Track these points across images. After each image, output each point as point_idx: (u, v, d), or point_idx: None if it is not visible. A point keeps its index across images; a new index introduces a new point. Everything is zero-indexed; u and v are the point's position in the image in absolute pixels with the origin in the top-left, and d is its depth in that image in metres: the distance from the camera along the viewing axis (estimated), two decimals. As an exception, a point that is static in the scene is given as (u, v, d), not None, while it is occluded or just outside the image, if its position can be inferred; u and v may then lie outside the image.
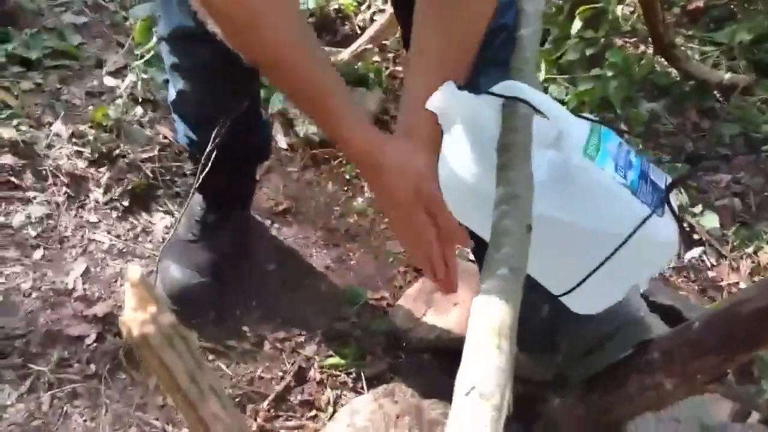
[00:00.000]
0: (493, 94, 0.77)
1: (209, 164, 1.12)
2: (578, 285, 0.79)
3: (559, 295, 0.84)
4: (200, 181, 1.14)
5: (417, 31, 0.88)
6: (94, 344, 1.25)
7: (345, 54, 1.87)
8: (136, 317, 0.24)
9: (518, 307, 0.49)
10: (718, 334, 0.79)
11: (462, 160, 0.75)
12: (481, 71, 0.86)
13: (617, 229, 0.74)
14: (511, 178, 0.64)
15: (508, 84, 0.78)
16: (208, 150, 1.11)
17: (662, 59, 2.24)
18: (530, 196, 0.63)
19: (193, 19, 1.00)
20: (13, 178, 1.44)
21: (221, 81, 1.13)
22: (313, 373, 1.30)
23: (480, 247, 0.83)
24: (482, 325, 0.46)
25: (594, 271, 0.77)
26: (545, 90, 2.00)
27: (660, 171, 0.80)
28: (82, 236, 1.42)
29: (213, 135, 1.10)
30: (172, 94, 1.22)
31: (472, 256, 1.32)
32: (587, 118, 0.79)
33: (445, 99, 0.76)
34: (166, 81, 1.72)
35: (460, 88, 0.76)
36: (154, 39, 1.66)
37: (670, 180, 0.78)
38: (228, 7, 0.76)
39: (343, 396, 1.27)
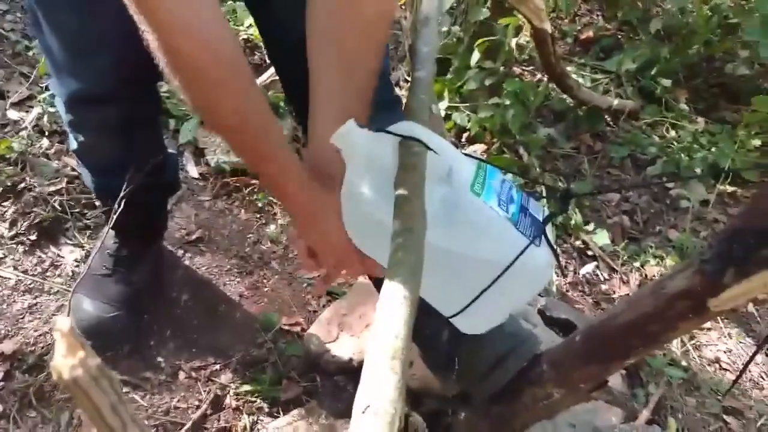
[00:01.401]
0: (390, 132, 0.83)
1: (120, 206, 1.12)
2: (466, 307, 0.86)
3: (449, 317, 0.90)
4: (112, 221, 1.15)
5: (316, 70, 0.91)
6: (2, 383, 1.23)
7: (255, 84, 1.90)
8: (66, 362, 0.28)
9: (411, 332, 0.55)
10: (596, 346, 0.88)
11: (362, 194, 0.81)
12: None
13: (500, 257, 0.81)
14: (406, 212, 0.70)
15: (404, 124, 0.84)
16: (120, 197, 1.12)
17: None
18: (423, 230, 0.70)
19: (90, 81, 1.01)
20: None
21: (125, 134, 1.13)
22: (230, 400, 1.32)
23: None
24: (377, 349, 0.51)
25: (479, 294, 0.84)
26: (448, 117, 2.10)
27: (538, 205, 0.88)
28: (-13, 272, 1.39)
29: (124, 184, 1.10)
30: (73, 144, 1.20)
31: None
32: (474, 157, 0.87)
33: (346, 136, 0.81)
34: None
35: (360, 126, 0.82)
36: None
37: (546, 213, 0.87)
38: (202, 70, 0.77)
39: (259, 421, 1.30)
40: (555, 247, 0.85)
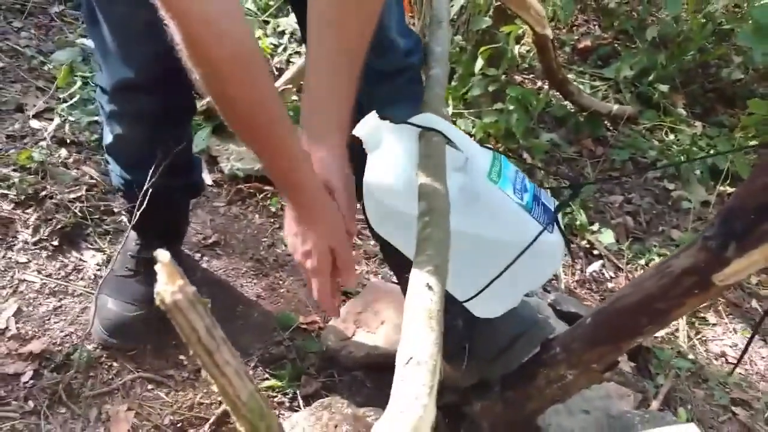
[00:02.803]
0: (411, 124, 0.88)
1: (145, 203, 1.17)
2: (481, 291, 0.91)
3: (464, 301, 0.94)
4: (136, 218, 1.20)
5: (312, 41, 0.94)
6: (31, 381, 1.27)
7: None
8: (167, 289, 0.32)
9: (444, 297, 0.59)
10: (605, 327, 0.92)
11: (384, 182, 0.85)
12: (390, 104, 0.95)
13: (516, 241, 0.86)
14: (430, 194, 0.75)
15: (424, 116, 0.89)
16: (144, 190, 1.16)
17: (558, 93, 2.46)
18: (447, 209, 0.74)
19: (138, 69, 1.07)
20: (-62, 223, 1.44)
21: (160, 126, 1.19)
22: (251, 396, 1.35)
23: (398, 263, 0.92)
24: (416, 310, 0.56)
25: (495, 278, 0.88)
26: (453, 123, 2.15)
27: (548, 195, 0.93)
28: (12, 277, 1.43)
29: (149, 176, 1.15)
30: (108, 138, 1.25)
31: (395, 279, 1.42)
32: (489, 148, 0.92)
33: (369, 127, 0.86)
34: (90, 123, 1.77)
35: (382, 118, 0.87)
36: (79, 83, 1.70)
37: (557, 203, 0.91)
38: (217, 50, 0.80)
39: (280, 415, 1.33)
40: (566, 234, 0.90)
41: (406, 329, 0.54)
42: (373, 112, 0.85)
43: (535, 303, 1.44)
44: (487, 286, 0.90)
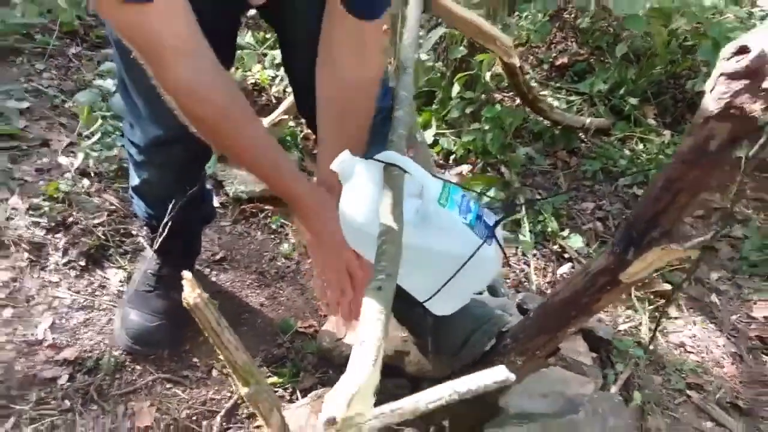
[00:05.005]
0: (377, 160, 1.09)
1: (166, 230, 1.38)
2: (435, 293, 1.12)
3: (423, 301, 1.16)
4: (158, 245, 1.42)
5: (323, 130, 1.21)
6: (67, 383, 1.47)
7: (264, 123, 2.17)
8: (191, 295, 0.53)
9: (392, 298, 0.80)
10: (543, 319, 1.12)
11: (355, 207, 1.06)
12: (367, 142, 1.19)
13: (460, 253, 1.06)
14: (389, 217, 0.95)
15: (387, 153, 1.10)
16: (164, 222, 1.37)
17: (533, 110, 2.66)
18: (401, 230, 0.95)
19: (166, 127, 1.26)
20: (-21, 250, 1.65)
21: (182, 171, 1.39)
22: (257, 392, 1.56)
23: None
24: (369, 308, 0.76)
25: (446, 283, 1.09)
26: (436, 143, 2.36)
27: (491, 213, 1.14)
28: (46, 294, 1.64)
29: (169, 211, 1.36)
30: (135, 181, 1.45)
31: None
32: (440, 178, 1.13)
33: (343, 162, 1.07)
34: (109, 156, 1.99)
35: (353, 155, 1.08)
36: (99, 122, 1.92)
37: (495, 220, 1.12)
38: (203, 112, 1.04)
39: (282, 407, 1.53)
40: (503, 245, 1.11)
41: (362, 320, 0.75)
42: (346, 150, 1.07)
43: (503, 302, 1.64)
44: (440, 289, 1.11)
